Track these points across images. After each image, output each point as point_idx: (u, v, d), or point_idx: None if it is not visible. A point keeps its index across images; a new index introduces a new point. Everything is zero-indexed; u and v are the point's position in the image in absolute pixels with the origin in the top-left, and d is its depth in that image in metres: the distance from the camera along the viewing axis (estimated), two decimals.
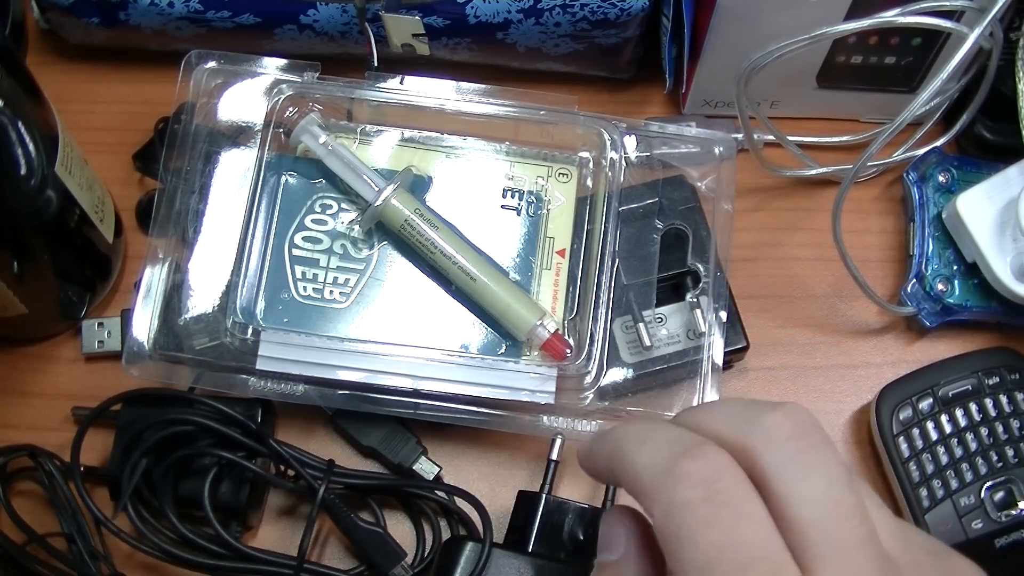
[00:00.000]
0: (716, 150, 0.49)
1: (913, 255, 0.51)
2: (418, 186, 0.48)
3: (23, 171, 0.42)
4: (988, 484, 0.46)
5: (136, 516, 0.44)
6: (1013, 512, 0.46)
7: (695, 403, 0.45)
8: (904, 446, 0.47)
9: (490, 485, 0.49)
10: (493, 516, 0.45)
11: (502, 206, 0.48)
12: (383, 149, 0.48)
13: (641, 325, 0.47)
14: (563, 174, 0.48)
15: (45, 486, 0.46)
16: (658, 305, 0.47)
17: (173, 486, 0.45)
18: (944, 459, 0.47)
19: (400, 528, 0.47)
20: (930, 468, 0.47)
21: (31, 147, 0.42)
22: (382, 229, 0.47)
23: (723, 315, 0.46)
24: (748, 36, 0.47)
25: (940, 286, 0.51)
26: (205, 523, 0.45)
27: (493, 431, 0.46)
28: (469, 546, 0.43)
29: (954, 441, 0.47)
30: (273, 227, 0.47)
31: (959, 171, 0.52)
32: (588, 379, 0.45)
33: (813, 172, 0.54)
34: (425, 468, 0.47)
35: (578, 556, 0.43)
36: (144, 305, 0.45)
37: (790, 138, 0.53)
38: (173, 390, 0.46)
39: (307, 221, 0.47)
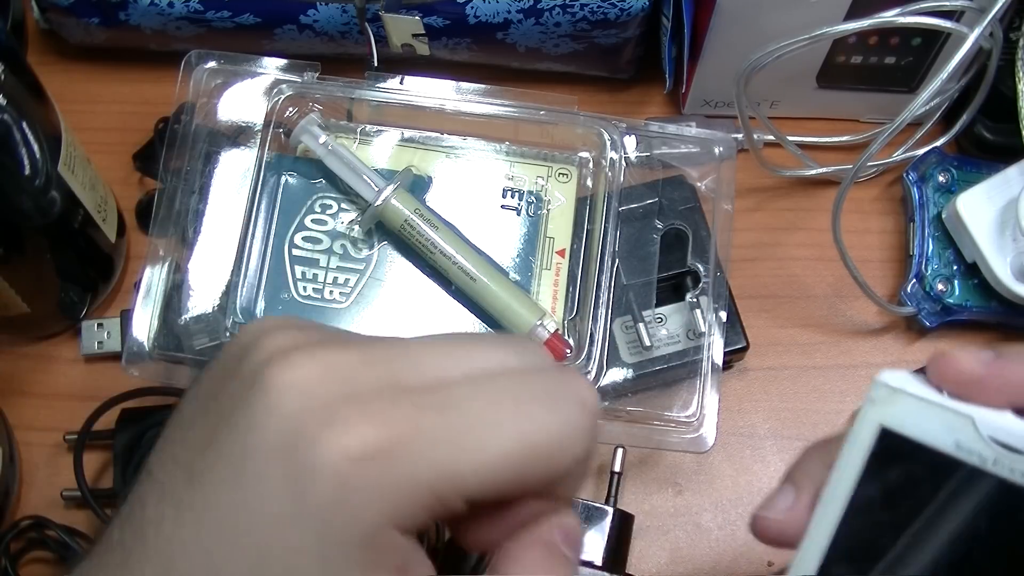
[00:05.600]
0: (716, 150, 0.49)
1: (913, 255, 0.51)
2: (418, 186, 0.48)
3: (27, 171, 0.42)
4: None
5: None
6: None
7: (695, 404, 0.45)
8: None
9: None
10: None
11: (502, 206, 0.48)
12: (383, 149, 0.48)
13: (641, 325, 0.47)
14: (563, 174, 0.48)
15: (55, 550, 0.46)
16: (658, 305, 0.47)
17: None
18: None
19: None
20: None
21: (35, 147, 0.42)
22: (382, 229, 0.47)
23: (723, 315, 0.46)
24: (748, 36, 0.47)
25: (940, 286, 0.51)
26: None
27: None
28: None
29: None
30: (273, 227, 0.47)
31: (959, 171, 0.52)
32: (588, 379, 0.45)
33: (813, 172, 0.54)
34: None
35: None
36: (144, 305, 0.45)
37: (790, 138, 0.53)
38: (169, 388, 0.46)
39: (307, 221, 0.47)
